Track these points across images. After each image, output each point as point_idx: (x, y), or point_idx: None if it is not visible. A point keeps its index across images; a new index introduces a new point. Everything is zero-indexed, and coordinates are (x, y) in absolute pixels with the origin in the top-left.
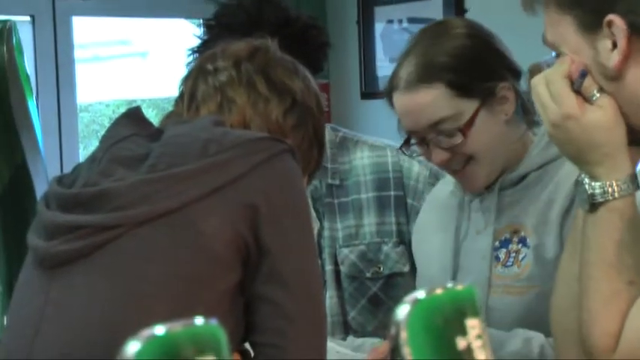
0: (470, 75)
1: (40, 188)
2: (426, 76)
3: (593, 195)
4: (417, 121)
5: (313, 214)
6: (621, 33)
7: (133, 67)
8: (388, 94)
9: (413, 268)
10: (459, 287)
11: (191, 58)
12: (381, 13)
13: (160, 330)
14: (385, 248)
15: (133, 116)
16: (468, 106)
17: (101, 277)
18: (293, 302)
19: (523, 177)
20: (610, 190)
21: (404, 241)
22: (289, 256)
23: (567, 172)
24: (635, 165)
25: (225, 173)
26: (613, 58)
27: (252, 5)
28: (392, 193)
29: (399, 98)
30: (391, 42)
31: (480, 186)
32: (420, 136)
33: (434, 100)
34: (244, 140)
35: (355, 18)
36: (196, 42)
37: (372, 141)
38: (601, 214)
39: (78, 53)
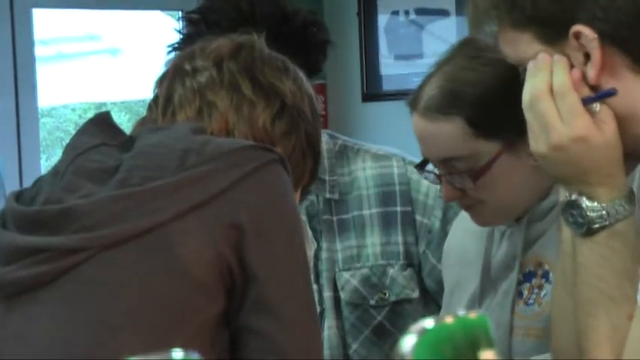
0: (495, 114)
1: None
2: (445, 106)
3: (592, 220)
4: (428, 151)
5: (309, 233)
6: (593, 43)
7: (102, 65)
8: (410, 108)
9: (422, 294)
10: (472, 315)
11: (170, 56)
12: (384, 3)
13: None
14: (391, 271)
15: (101, 123)
16: (487, 149)
17: (65, 307)
18: (284, 335)
19: (554, 205)
20: (612, 211)
21: (412, 263)
22: (279, 281)
23: None
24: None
25: (206, 188)
26: (589, 73)
27: None
28: (398, 208)
29: (415, 120)
30: (396, 36)
31: (489, 225)
32: (433, 164)
33: (449, 136)
34: (227, 150)
35: (355, 9)
36: (176, 37)
37: (376, 149)
38: (599, 239)
39: (39, 50)
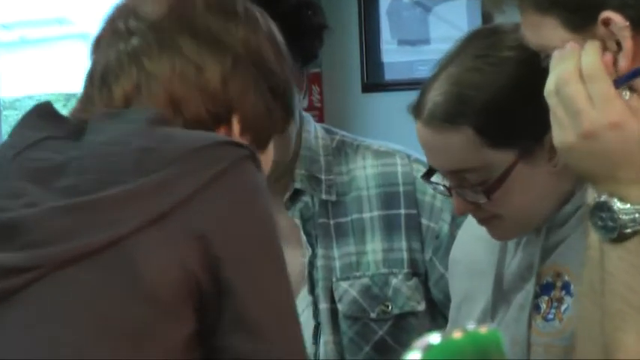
0: (507, 120)
1: None
2: (451, 114)
3: (624, 224)
4: (436, 162)
5: (304, 238)
6: (624, 32)
7: (71, 52)
8: (413, 116)
9: (429, 306)
10: (482, 330)
11: None
12: None
13: None
14: (394, 281)
15: (45, 114)
16: (501, 159)
17: (11, 334)
18: (267, 355)
19: (577, 210)
20: None
21: (417, 271)
22: (258, 296)
23: None
24: None
25: (168, 196)
26: (620, 62)
27: None
28: (402, 211)
29: (420, 129)
30: (400, 20)
31: (508, 239)
32: (442, 175)
33: (457, 147)
34: (190, 149)
35: None
36: None
37: (378, 146)
38: (631, 245)
39: (1, 35)
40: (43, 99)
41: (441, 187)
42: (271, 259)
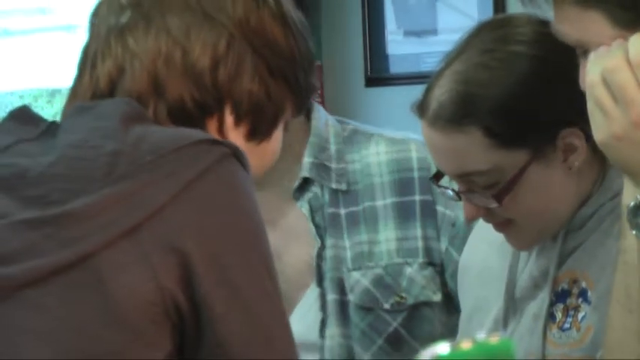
0: (518, 119)
1: None
2: (457, 114)
3: None
4: (442, 165)
5: (313, 230)
6: None
7: (55, 44)
8: (417, 115)
9: (445, 299)
10: (493, 340)
11: None
12: None
13: None
14: (409, 271)
15: (19, 116)
16: (512, 161)
17: None
18: None
19: (594, 212)
20: None
21: (433, 261)
22: (243, 318)
23: None
24: None
25: (140, 207)
26: None
27: None
28: (417, 197)
29: (425, 130)
30: (406, 9)
31: (528, 248)
32: (450, 178)
33: (464, 150)
34: (166, 152)
35: None
36: None
37: (392, 134)
38: None
39: None
40: (25, 94)
41: (450, 192)
42: (257, 274)
